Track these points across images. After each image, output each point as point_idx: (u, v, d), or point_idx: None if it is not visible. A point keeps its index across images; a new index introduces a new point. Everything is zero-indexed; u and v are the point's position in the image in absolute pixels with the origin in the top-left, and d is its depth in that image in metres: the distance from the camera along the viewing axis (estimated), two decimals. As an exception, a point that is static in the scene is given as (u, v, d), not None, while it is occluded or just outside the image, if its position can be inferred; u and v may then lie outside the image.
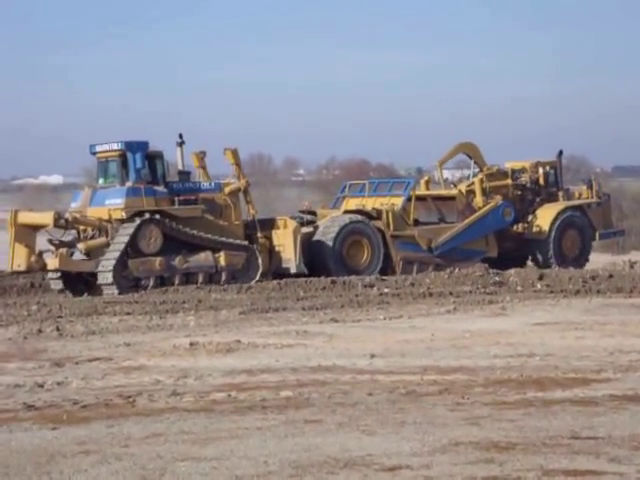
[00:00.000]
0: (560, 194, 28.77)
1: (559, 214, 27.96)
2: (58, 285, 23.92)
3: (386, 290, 22.92)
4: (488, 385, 10.21)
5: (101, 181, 24.72)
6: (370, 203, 26.88)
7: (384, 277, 24.68)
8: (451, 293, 22.21)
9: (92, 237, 24.03)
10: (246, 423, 8.63)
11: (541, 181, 28.67)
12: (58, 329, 16.78)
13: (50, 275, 24.14)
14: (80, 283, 23.88)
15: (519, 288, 22.98)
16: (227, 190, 25.14)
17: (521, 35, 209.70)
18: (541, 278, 24.03)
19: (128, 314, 19.15)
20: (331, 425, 8.47)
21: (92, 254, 23.61)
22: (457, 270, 24.57)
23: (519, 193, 28.34)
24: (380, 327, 16.39)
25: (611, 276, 24.64)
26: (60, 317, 18.76)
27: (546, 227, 27.77)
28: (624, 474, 6.61)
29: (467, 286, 23.27)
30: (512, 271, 24.91)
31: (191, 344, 14.13)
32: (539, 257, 27.58)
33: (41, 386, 11.02)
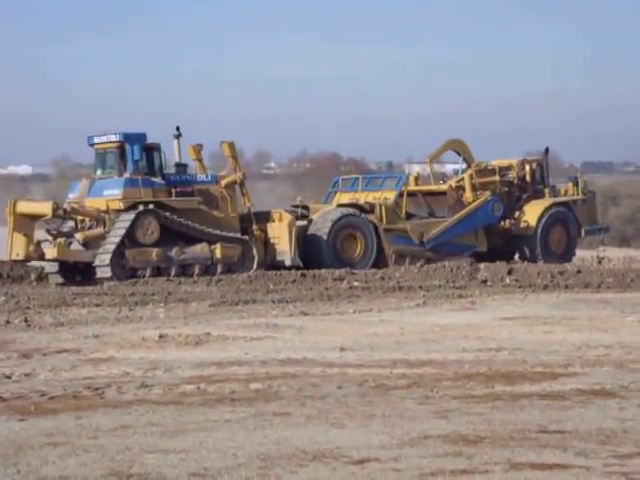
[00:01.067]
0: (546, 191, 29.14)
1: (545, 210, 28.34)
2: (57, 279, 23.98)
3: (356, 284, 22.97)
4: (457, 379, 10.26)
5: (99, 172, 24.89)
6: (362, 197, 27.30)
7: (354, 271, 24.75)
8: (421, 287, 22.29)
9: (89, 227, 24.18)
10: (215, 415, 8.62)
11: (528, 178, 29.02)
12: (26, 320, 16.69)
13: (48, 269, 24.18)
14: (76, 273, 24.00)
15: (488, 283, 23.11)
16: (223, 182, 25.40)
17: (495, 31, 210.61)
18: (510, 273, 24.18)
19: (97, 306, 19.08)
20: (300, 418, 8.48)
21: (90, 244, 23.72)
22: (446, 263, 24.93)
23: (506, 189, 28.71)
24: (350, 320, 16.42)
25: (579, 271, 24.82)
26: (28, 308, 18.65)
27: (533, 223, 28.18)
28: (590, 468, 6.66)
29: (437, 280, 23.37)
30: (482, 265, 25.06)
31: (160, 336, 14.09)
32: (526, 252, 27.94)
33: (9, 377, 10.95)
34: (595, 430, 7.78)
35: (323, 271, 24.64)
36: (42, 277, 23.96)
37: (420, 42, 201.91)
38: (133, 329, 15.37)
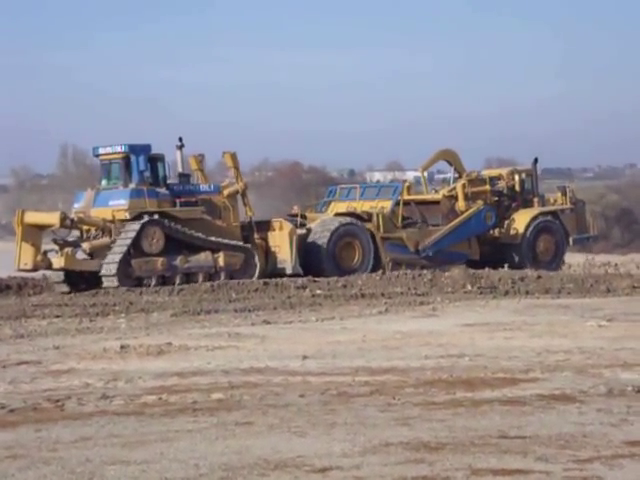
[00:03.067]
0: (535, 200, 29.80)
1: (533, 219, 29.02)
2: (63, 288, 24.24)
3: (318, 292, 22.99)
4: (419, 386, 10.29)
5: (104, 183, 25.40)
6: (359, 206, 27.94)
7: (316, 279, 24.81)
8: (383, 294, 22.36)
9: (95, 237, 24.62)
10: (177, 426, 8.58)
11: (517, 188, 29.70)
12: (-15, 332, 16.53)
13: (54, 279, 24.60)
14: (81, 282, 24.24)
15: (450, 289, 23.22)
16: (226, 192, 25.99)
17: (452, 39, 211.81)
18: (471, 279, 24.32)
19: (57, 317, 18.94)
20: (262, 427, 8.46)
21: (96, 254, 24.19)
22: (407, 270, 25.22)
23: (496, 199, 29.36)
24: (312, 328, 16.42)
25: (539, 277, 25.02)
26: (-13, 320, 18.47)
27: (520, 231, 28.86)
28: (551, 472, 6.71)
29: (398, 287, 23.45)
30: (442, 273, 25.21)
31: (122, 347, 14.01)
32: (514, 260, 28.46)
33: (-33, 390, 10.84)
34: (555, 435, 7.83)
35: (285, 279, 24.69)
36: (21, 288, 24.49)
37: (384, 50, 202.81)
38: (94, 340, 15.27)
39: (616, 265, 32.66)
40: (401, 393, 9.85)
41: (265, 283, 24.03)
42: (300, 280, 24.49)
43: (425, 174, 30.74)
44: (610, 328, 15.28)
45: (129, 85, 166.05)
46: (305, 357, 12.75)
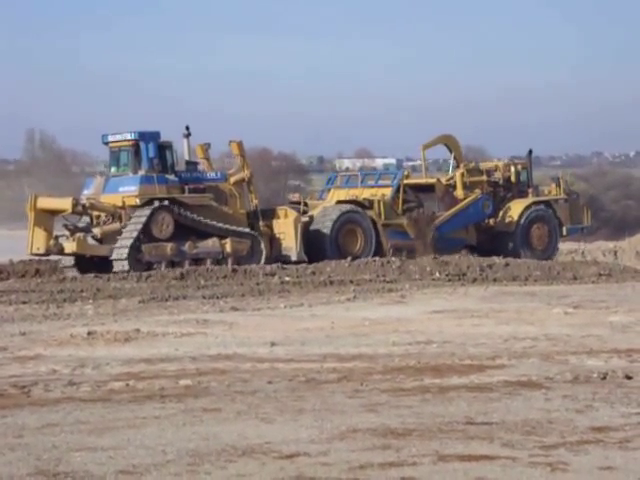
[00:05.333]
0: (530, 191, 30.45)
1: (527, 208, 29.65)
2: (73, 272, 24.47)
3: (287, 278, 22.98)
4: (386, 372, 10.32)
5: (113, 169, 25.80)
6: (359, 194, 28.29)
7: (285, 266, 24.83)
8: (351, 281, 22.39)
9: (104, 223, 25.00)
10: (144, 412, 8.56)
11: (512, 179, 30.30)
12: (-49, 318, 16.39)
13: (64, 263, 24.90)
14: (91, 267, 24.43)
15: (418, 276, 23.29)
16: (232, 180, 26.48)
17: (412, 23, 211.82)
18: (439, 267, 24.40)
19: (24, 303, 18.81)
20: (230, 413, 8.45)
21: (106, 239, 24.60)
22: (376, 258, 25.49)
23: (492, 189, 29.92)
24: (281, 315, 16.42)
25: (507, 265, 25.15)
26: (-47, 306, 18.32)
27: (515, 220, 29.47)
28: (516, 458, 6.75)
29: (367, 274, 23.49)
30: (411, 260, 25.30)
31: (89, 333, 13.94)
32: (509, 249, 28.96)
33: None
34: (521, 421, 7.88)
35: (254, 266, 24.69)
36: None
37: (351, 37, 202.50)
38: (61, 326, 15.18)
39: (583, 253, 32.96)
40: (369, 379, 9.87)
41: (234, 270, 24.02)
42: (269, 267, 24.50)
43: (425, 154, 31.23)
44: (576, 315, 15.39)
45: (94, 69, 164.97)
46: (273, 344, 12.75)
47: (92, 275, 23.02)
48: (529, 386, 9.37)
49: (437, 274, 23.77)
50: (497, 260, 25.80)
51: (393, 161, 79.05)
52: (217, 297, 19.68)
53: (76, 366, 11.22)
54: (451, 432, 7.54)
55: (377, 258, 25.57)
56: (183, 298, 19.55)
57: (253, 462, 6.78)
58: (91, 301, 19.22)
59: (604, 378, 9.63)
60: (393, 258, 25.61)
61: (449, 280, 22.87)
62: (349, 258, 25.51)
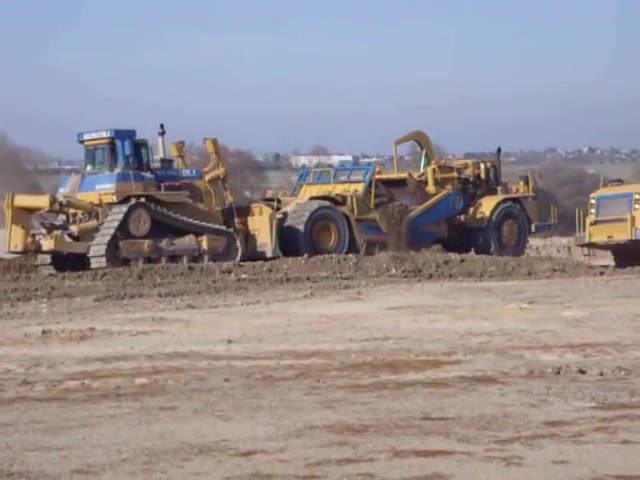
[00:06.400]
0: (499, 188, 31.18)
1: (498, 205, 30.32)
2: (49, 270, 24.57)
3: (244, 276, 22.96)
4: (343, 369, 10.34)
5: (89, 168, 26.06)
6: (331, 190, 28.69)
7: (242, 263, 24.83)
8: (308, 278, 22.42)
9: (82, 220, 25.17)
10: (99, 411, 8.50)
11: (482, 176, 31.00)
12: None
13: (40, 261, 25.05)
14: (68, 265, 24.48)
15: (374, 273, 23.37)
16: (207, 177, 26.82)
17: (364, 24, 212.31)
18: (396, 263, 24.51)
19: (-23, 302, 18.61)
20: (186, 411, 8.42)
21: (83, 236, 24.79)
22: (333, 255, 25.54)
23: (462, 186, 30.54)
24: (237, 313, 16.40)
25: (462, 260, 25.32)
26: None
27: (486, 216, 30.12)
28: (472, 453, 6.79)
29: (324, 271, 23.53)
30: (367, 257, 25.38)
31: (43, 332, 13.82)
32: (480, 244, 29.30)
33: None
34: (477, 416, 7.93)
35: (211, 264, 24.66)
36: None
37: (314, 33, 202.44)
38: (15, 325, 15.04)
39: (537, 248, 33.32)
40: (326, 376, 9.89)
41: (190, 267, 23.99)
42: (225, 264, 24.48)
43: (396, 150, 31.78)
44: (531, 310, 15.53)
45: (51, 63, 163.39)
46: (230, 341, 12.73)
47: (47, 273, 22.87)
48: (484, 381, 9.44)
49: (393, 270, 23.87)
50: (453, 256, 25.98)
51: (349, 158, 79.24)
52: (173, 295, 19.60)
53: (30, 365, 11.12)
54: (407, 428, 7.57)
55: (334, 255, 25.66)
56: (139, 296, 19.46)
57: (209, 460, 6.76)
58: (45, 300, 19.06)
59: (558, 373, 9.72)
60: (350, 255, 25.74)
61: (405, 276, 22.98)
62: (306, 255, 25.55)
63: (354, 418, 7.96)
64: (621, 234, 24.47)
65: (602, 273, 22.66)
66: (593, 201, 25.44)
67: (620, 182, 27.16)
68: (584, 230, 25.45)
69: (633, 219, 24.30)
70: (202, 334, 13.60)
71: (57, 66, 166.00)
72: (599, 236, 24.90)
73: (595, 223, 25.08)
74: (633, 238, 24.31)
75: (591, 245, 26.01)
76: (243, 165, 66.33)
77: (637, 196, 24.52)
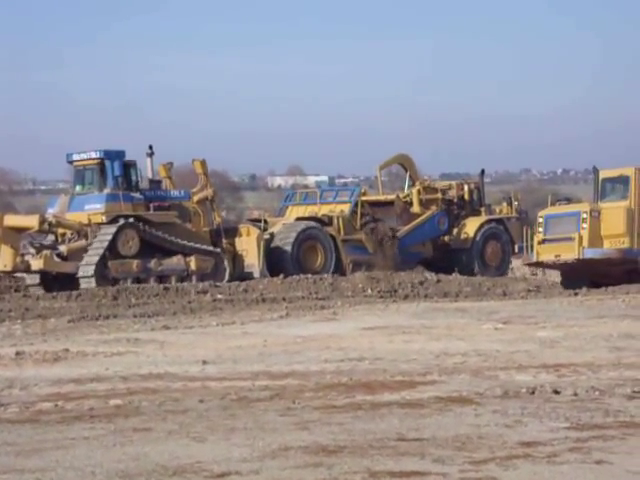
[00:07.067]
0: (482, 209, 31.58)
1: (482, 226, 30.61)
2: (39, 290, 24.64)
3: (219, 296, 22.92)
4: (318, 389, 10.33)
5: (78, 188, 26.24)
6: (317, 210, 28.98)
7: (217, 283, 24.81)
8: (284, 299, 22.40)
9: (69, 240, 25.31)
10: (73, 433, 8.45)
11: (466, 197, 31.36)
12: None
13: (29, 282, 25.19)
14: (56, 285, 24.61)
15: (350, 293, 23.38)
16: (196, 198, 27.10)
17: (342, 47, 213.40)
18: (371, 283, 24.56)
19: (-50, 323, 18.47)
20: (161, 433, 8.39)
21: (72, 256, 24.90)
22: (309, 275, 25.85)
23: (447, 207, 30.90)
24: (213, 333, 16.35)
25: (439, 281, 25.38)
26: None
27: (470, 237, 30.42)
28: (447, 474, 6.80)
29: (299, 291, 23.52)
30: (343, 277, 25.43)
31: (17, 353, 13.72)
32: (464, 265, 29.48)
33: None
34: (452, 437, 7.94)
35: (186, 284, 24.62)
36: None
37: (285, 57, 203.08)
38: (-12, 347, 14.92)
39: (512, 269, 33.43)
40: (301, 397, 9.87)
41: (165, 288, 23.94)
42: (201, 285, 24.45)
43: (381, 174, 32.23)
44: (506, 331, 15.56)
45: (37, 84, 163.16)
46: (205, 362, 12.68)
47: (21, 294, 22.79)
48: (460, 402, 9.45)
49: (369, 291, 23.89)
50: (429, 276, 26.06)
51: (325, 178, 79.41)
52: (148, 315, 19.52)
53: (4, 387, 11.03)
54: (382, 448, 7.57)
55: (310, 275, 25.72)
56: (114, 317, 19.37)
57: (184, 482, 6.73)
58: (19, 321, 18.94)
59: (533, 393, 9.75)
60: (325, 275, 25.82)
61: (381, 296, 23.00)
62: (280, 276, 25.57)
63: (329, 439, 7.95)
64: (569, 253, 24.05)
65: (576, 294, 22.73)
66: (541, 220, 25.08)
67: (569, 201, 27.16)
68: (532, 249, 25.12)
69: (581, 238, 23.96)
70: (177, 355, 13.55)
71: (48, 83, 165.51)
72: (547, 255, 24.59)
73: (543, 242, 24.57)
74: (581, 257, 23.99)
75: (539, 264, 25.74)
76: (219, 186, 66.32)
77: (585, 215, 24.19)
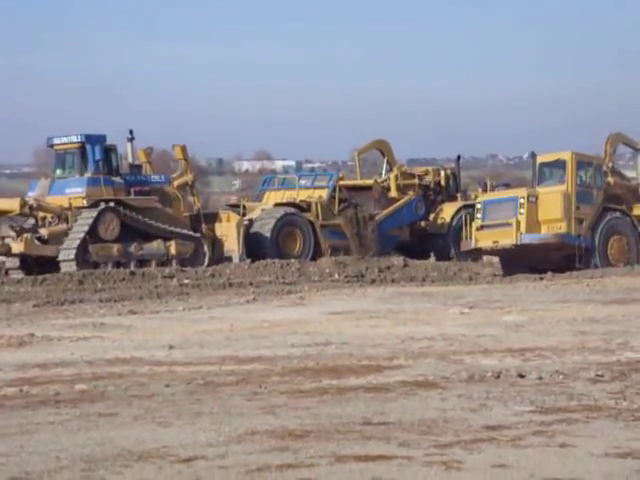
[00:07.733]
0: (459, 195, 31.64)
1: (458, 211, 30.36)
2: (19, 274, 24.44)
3: (186, 281, 22.88)
4: (285, 374, 10.34)
5: (59, 172, 26.19)
6: (295, 195, 28.83)
7: (184, 268, 24.75)
8: (251, 283, 22.40)
9: (50, 224, 25.21)
10: (38, 418, 8.41)
11: (442, 183, 31.46)
12: None
13: (9, 265, 24.98)
14: (36, 269, 24.46)
15: (317, 278, 23.41)
16: (176, 183, 27.17)
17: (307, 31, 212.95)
18: (338, 268, 24.60)
19: None
20: (126, 418, 8.36)
21: (53, 240, 24.82)
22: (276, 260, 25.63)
23: (423, 192, 30.96)
24: (179, 318, 16.32)
25: (406, 266, 25.46)
26: None
27: (447, 222, 30.40)
28: (412, 457, 6.83)
29: (266, 276, 23.52)
30: (310, 262, 25.45)
31: (-19, 338, 13.63)
32: (440, 250, 29.52)
33: None
34: (417, 421, 7.97)
35: (152, 269, 24.55)
36: None
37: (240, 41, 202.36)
38: (-48, 331, 14.80)
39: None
40: (267, 382, 9.88)
41: (132, 273, 23.85)
42: (168, 269, 24.39)
43: (359, 159, 32.22)
44: (471, 315, 15.65)
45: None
46: (171, 347, 12.66)
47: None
48: (425, 386, 9.49)
49: (336, 275, 23.94)
50: (395, 261, 26.13)
51: (292, 163, 79.30)
52: (114, 300, 19.45)
53: (-33, 372, 10.95)
54: (348, 433, 7.59)
55: (277, 260, 25.70)
56: (79, 302, 19.28)
57: (150, 467, 6.72)
58: (-16, 305, 18.80)
59: (498, 377, 9.81)
60: (292, 260, 25.79)
61: (348, 281, 23.05)
62: (250, 261, 25.58)
63: (295, 423, 7.97)
64: (507, 239, 23.80)
65: (542, 278, 22.88)
66: (479, 205, 24.94)
67: (507, 186, 27.25)
68: (470, 236, 24.92)
69: (518, 223, 23.73)
70: (143, 340, 13.51)
71: (10, 67, 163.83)
72: (485, 241, 24.42)
73: (481, 228, 24.38)
74: (518, 243, 23.82)
75: (477, 251, 25.64)
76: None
77: (522, 200, 23.96)
